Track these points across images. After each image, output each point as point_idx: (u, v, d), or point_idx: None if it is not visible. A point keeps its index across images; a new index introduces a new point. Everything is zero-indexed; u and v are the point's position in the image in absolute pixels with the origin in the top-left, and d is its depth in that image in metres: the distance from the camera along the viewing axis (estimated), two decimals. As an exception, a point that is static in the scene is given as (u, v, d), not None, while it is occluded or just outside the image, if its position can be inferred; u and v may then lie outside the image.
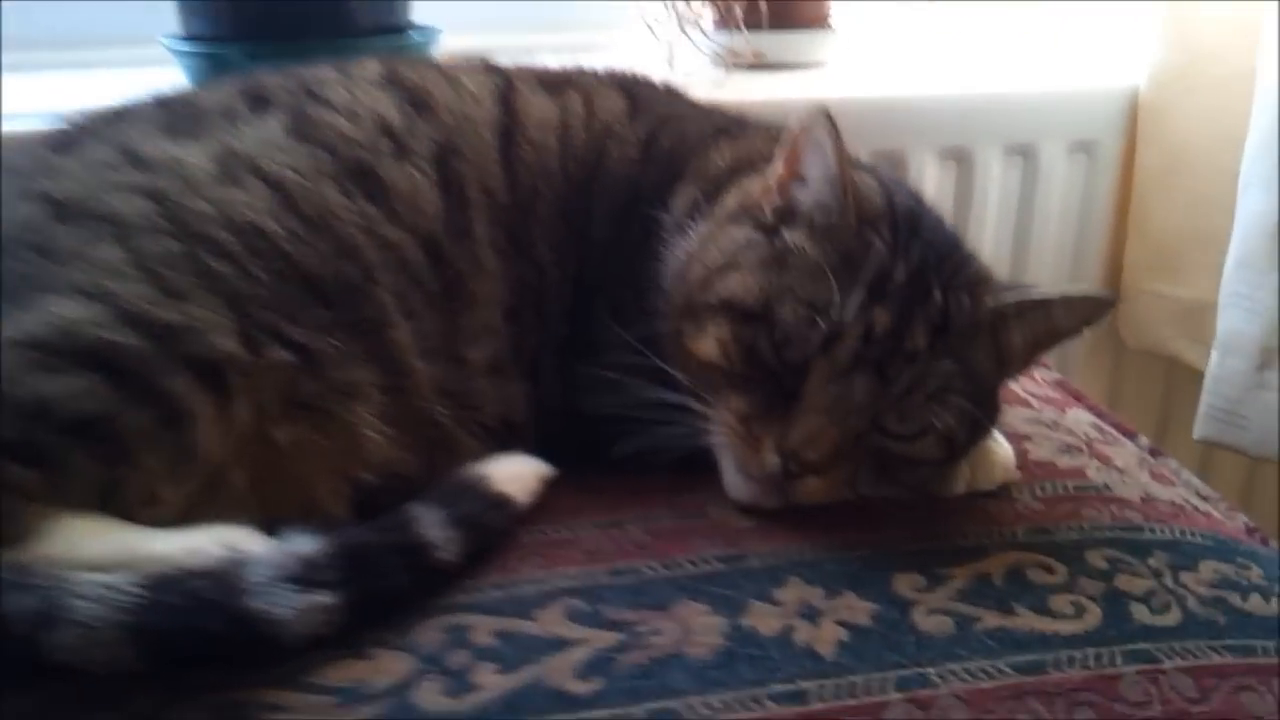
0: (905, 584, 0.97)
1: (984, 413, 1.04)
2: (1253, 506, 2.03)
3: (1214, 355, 1.76)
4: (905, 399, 1.00)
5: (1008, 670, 0.88)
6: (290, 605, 0.83)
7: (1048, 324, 1.06)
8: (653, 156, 1.19)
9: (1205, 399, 1.77)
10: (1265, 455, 1.74)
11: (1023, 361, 1.10)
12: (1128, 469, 1.20)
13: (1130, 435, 1.33)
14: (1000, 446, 1.13)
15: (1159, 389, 2.15)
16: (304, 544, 0.87)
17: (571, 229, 1.12)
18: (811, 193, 1.04)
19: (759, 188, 1.09)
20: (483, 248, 1.08)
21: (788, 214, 1.06)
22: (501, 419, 1.10)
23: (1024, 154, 1.97)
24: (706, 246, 1.08)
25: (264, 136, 1.03)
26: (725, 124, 1.24)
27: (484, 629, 0.90)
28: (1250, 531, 1.17)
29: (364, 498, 0.98)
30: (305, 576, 0.84)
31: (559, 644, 0.88)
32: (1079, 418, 1.32)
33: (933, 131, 1.90)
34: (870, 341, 0.98)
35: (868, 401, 0.98)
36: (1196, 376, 1.90)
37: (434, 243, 1.05)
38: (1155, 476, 1.21)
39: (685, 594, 0.94)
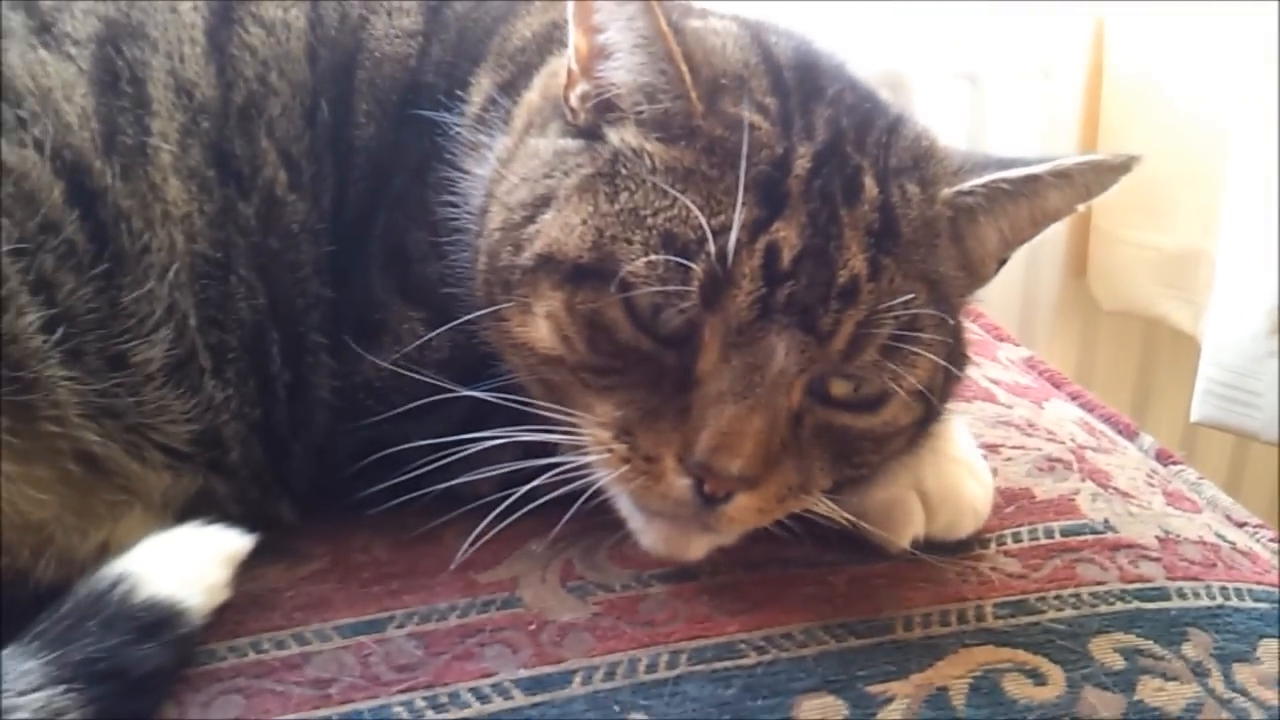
0: (814, 716, 0.61)
1: (958, 350, 0.74)
2: (1241, 491, 1.72)
3: (1211, 316, 1.43)
4: (852, 354, 0.66)
5: None
6: None
7: (1031, 211, 0.72)
8: (440, 28, 0.83)
9: (1204, 372, 1.45)
10: (1277, 440, 1.41)
11: (994, 268, 0.76)
12: (1134, 492, 0.86)
13: (1130, 434, 0.99)
14: (973, 478, 0.78)
15: (1139, 358, 1.87)
16: None
17: (322, 134, 0.79)
18: (623, 68, 0.69)
19: (565, 69, 0.72)
20: (165, 174, 0.74)
21: (604, 105, 0.70)
22: (198, 437, 0.74)
23: (971, 81, 1.63)
24: (505, 172, 0.73)
25: None
26: None
27: None
28: (1306, 568, 0.82)
29: None
30: None
31: None
32: (1061, 413, 0.98)
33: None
34: (778, 278, 0.64)
35: (796, 367, 0.65)
36: (1185, 341, 1.62)
37: (80, 170, 0.72)
38: (1172, 500, 0.87)
39: (458, 758, 0.58)
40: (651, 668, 0.65)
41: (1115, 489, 0.85)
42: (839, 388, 0.68)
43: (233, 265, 0.75)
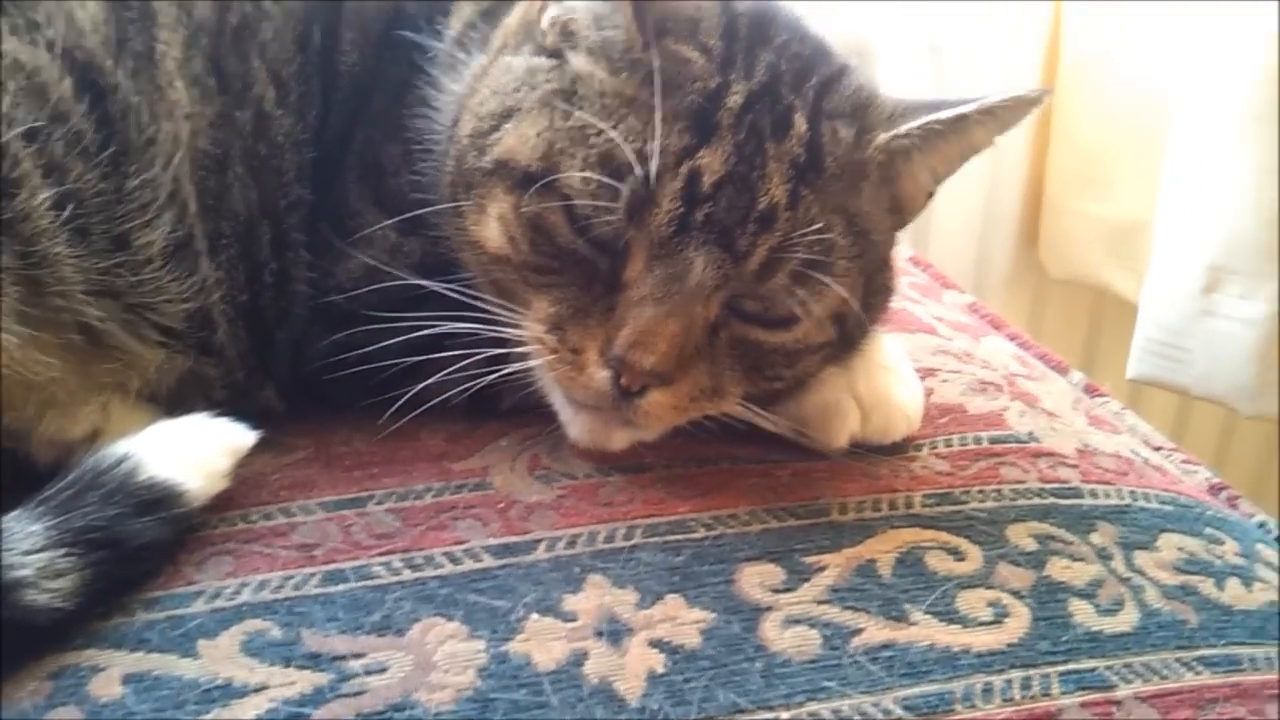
0: (755, 580, 0.69)
1: (878, 280, 0.80)
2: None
3: (1150, 276, 1.51)
4: (764, 275, 0.72)
5: (898, 711, 0.60)
6: None
7: (960, 147, 0.78)
8: None
9: (1140, 330, 1.52)
10: (1209, 395, 1.50)
11: (924, 202, 0.82)
12: (1059, 412, 0.92)
13: (1061, 370, 1.06)
14: (904, 385, 0.85)
15: (1085, 325, 1.92)
16: None
17: (311, 59, 0.85)
18: None
19: None
20: (170, 78, 0.79)
21: (566, 29, 0.77)
22: (191, 316, 0.80)
23: (934, 51, 1.68)
24: (479, 87, 0.79)
25: None
26: None
27: (113, 672, 0.61)
28: (1215, 490, 0.90)
29: None
30: None
31: (226, 692, 0.59)
32: (997, 347, 1.05)
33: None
34: (698, 200, 0.70)
35: (712, 281, 0.72)
36: (1128, 310, 1.69)
37: (91, 68, 0.76)
38: (1094, 422, 0.94)
39: (431, 607, 0.66)
40: (609, 539, 0.71)
41: (1042, 409, 0.92)
42: (753, 305, 0.74)
43: (229, 162, 0.80)
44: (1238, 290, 1.45)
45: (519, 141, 0.74)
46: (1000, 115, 0.76)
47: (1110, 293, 1.80)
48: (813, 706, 0.60)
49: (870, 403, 0.81)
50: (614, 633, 0.64)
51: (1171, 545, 0.77)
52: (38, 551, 0.63)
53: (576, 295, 0.74)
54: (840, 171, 0.75)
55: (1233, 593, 0.74)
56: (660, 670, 0.62)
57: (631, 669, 0.62)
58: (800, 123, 0.74)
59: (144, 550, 0.67)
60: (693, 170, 0.71)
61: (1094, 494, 0.81)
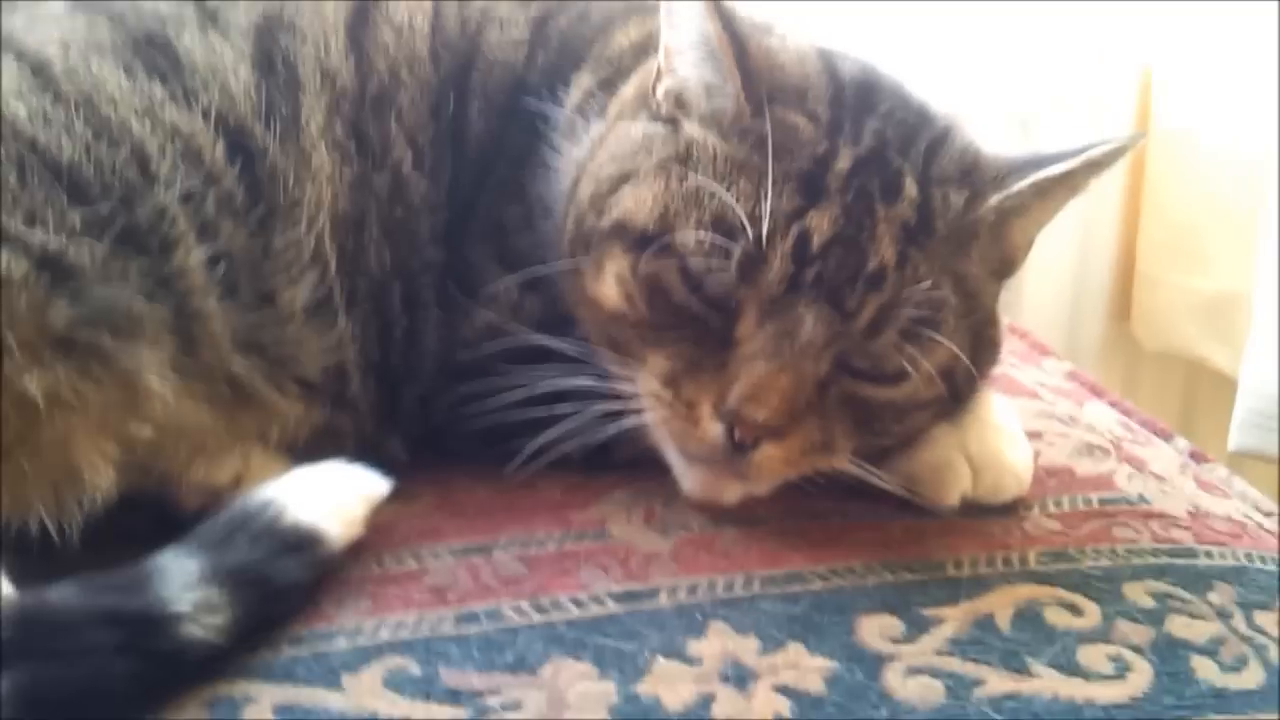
0: (875, 631, 0.70)
1: (985, 334, 0.82)
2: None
3: (1249, 348, 1.50)
4: (873, 332, 0.75)
5: (1024, 759, 0.61)
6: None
7: (1066, 199, 0.82)
8: (544, 39, 0.94)
9: (1241, 402, 1.50)
10: (1314, 468, 1.46)
11: (1028, 252, 0.85)
12: (1168, 477, 0.93)
13: (1165, 436, 1.06)
14: (1015, 445, 0.86)
15: (1179, 398, 1.90)
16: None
17: (443, 126, 0.90)
18: (690, 64, 0.80)
19: (656, 66, 0.83)
20: (314, 142, 0.85)
21: (678, 99, 0.81)
22: (328, 370, 0.84)
23: (1022, 126, 1.70)
24: (598, 152, 0.83)
25: (41, 12, 0.83)
26: (645, 4, 0.97)
27: (264, 703, 0.63)
28: (1330, 556, 0.88)
29: (140, 466, 0.76)
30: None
31: (369, 725, 0.61)
32: (1100, 413, 1.05)
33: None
34: (807, 260, 0.73)
35: (822, 338, 0.74)
36: (1224, 383, 1.67)
37: (242, 133, 0.82)
38: (1204, 486, 0.94)
39: (562, 648, 0.68)
40: (728, 588, 0.73)
41: (1150, 472, 0.93)
42: (862, 361, 0.76)
43: (367, 223, 0.85)
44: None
45: (636, 204, 0.78)
46: (1104, 163, 0.79)
47: (1205, 365, 1.79)
48: (939, 752, 0.61)
49: (981, 462, 0.83)
50: (739, 677, 0.65)
51: (1291, 606, 0.77)
52: (194, 588, 0.66)
53: (690, 351, 0.77)
54: (950, 234, 0.77)
55: (1356, 655, 0.73)
56: (786, 714, 0.63)
57: (758, 711, 0.63)
58: (911, 187, 0.77)
59: (288, 590, 0.70)
60: (802, 231, 0.74)
61: (1209, 554, 0.81)
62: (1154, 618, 0.73)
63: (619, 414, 0.79)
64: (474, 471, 0.85)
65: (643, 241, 0.77)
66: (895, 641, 0.69)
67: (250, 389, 0.80)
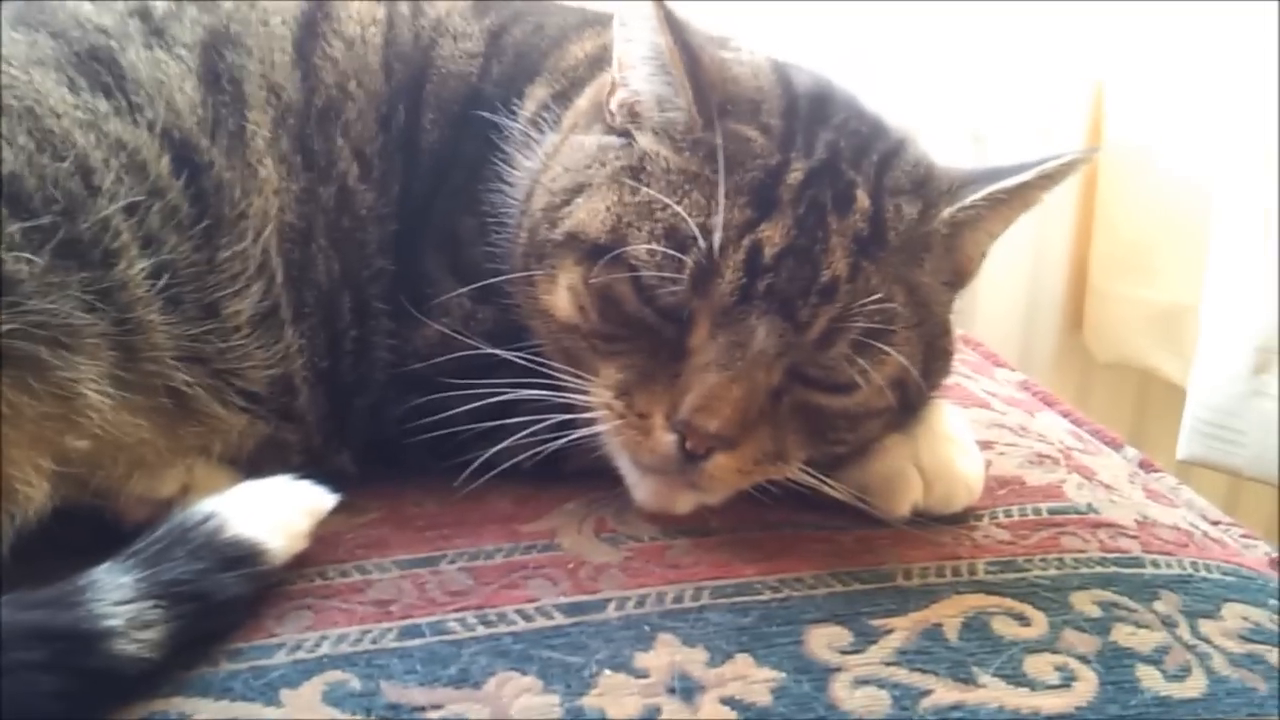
0: (824, 641, 0.70)
1: (938, 345, 0.82)
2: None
3: (1198, 359, 1.51)
4: (825, 344, 0.75)
5: (969, 770, 0.60)
6: None
7: (1019, 211, 0.82)
8: (499, 50, 0.94)
9: (1190, 411, 1.52)
10: (1262, 476, 1.49)
11: (980, 264, 0.86)
12: (1117, 486, 0.93)
13: (1115, 445, 1.07)
14: (966, 456, 0.86)
15: (1130, 408, 1.93)
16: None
17: (394, 137, 0.89)
18: (642, 78, 0.79)
19: (610, 79, 0.82)
20: (260, 156, 0.84)
21: (632, 110, 0.81)
22: (274, 383, 0.83)
23: (975, 140, 1.72)
24: (551, 163, 0.83)
25: None
26: (601, 16, 0.97)
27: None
28: (1275, 564, 0.90)
29: (76, 479, 0.75)
30: None
31: (307, 741, 0.59)
32: (1051, 423, 1.06)
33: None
34: (759, 271, 0.73)
35: (774, 349, 0.74)
36: (1175, 393, 1.69)
37: (187, 146, 0.81)
38: (1151, 495, 0.95)
39: (507, 662, 0.67)
40: (678, 599, 0.72)
41: (1099, 482, 0.93)
42: (815, 371, 0.76)
43: (314, 235, 0.85)
44: (1288, 371, 1.46)
45: (589, 215, 0.78)
46: (1056, 177, 0.80)
47: (1156, 376, 1.81)
48: (885, 764, 0.61)
49: (933, 473, 0.83)
50: (686, 690, 0.65)
51: (1235, 615, 0.77)
52: (128, 603, 0.65)
53: (643, 362, 0.77)
54: (902, 245, 0.78)
55: (1299, 662, 0.73)
56: (733, 727, 0.62)
57: (704, 725, 0.62)
58: (863, 198, 0.77)
59: (227, 604, 0.69)
60: (754, 243, 0.74)
61: (1155, 564, 0.81)
62: (1100, 627, 0.73)
63: (571, 425, 0.78)
64: (424, 484, 0.85)
65: (595, 253, 0.77)
66: (843, 652, 0.68)
67: (193, 401, 0.79)
